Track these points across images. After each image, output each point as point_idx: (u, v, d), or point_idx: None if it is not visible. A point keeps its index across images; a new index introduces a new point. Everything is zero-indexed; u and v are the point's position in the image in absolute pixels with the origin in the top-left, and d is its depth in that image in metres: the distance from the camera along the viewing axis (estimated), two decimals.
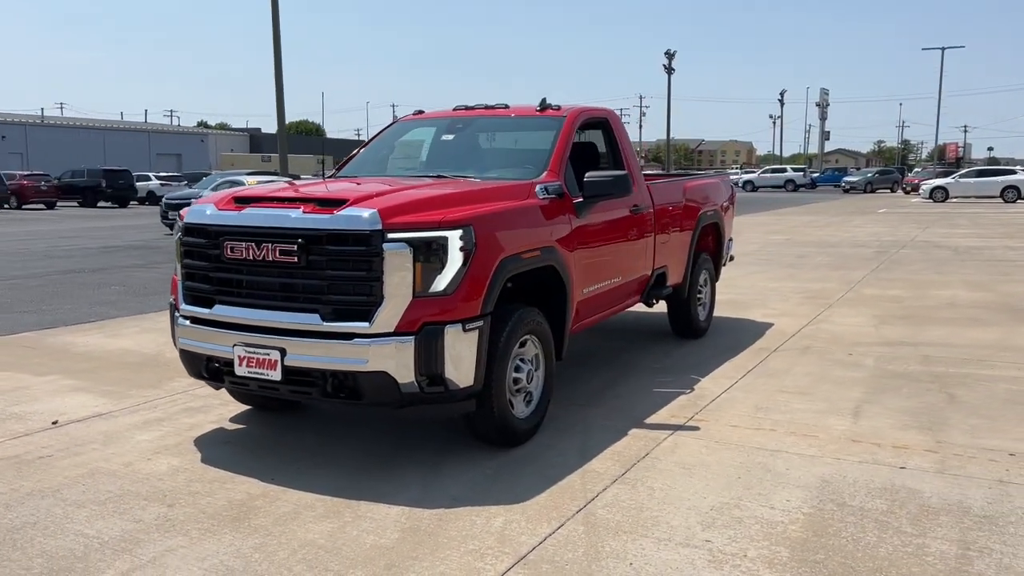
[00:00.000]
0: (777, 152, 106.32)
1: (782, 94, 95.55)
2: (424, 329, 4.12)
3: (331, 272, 4.18)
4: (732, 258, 8.95)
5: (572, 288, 5.20)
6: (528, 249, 4.67)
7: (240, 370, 4.41)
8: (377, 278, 4.10)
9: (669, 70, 67.57)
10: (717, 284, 8.40)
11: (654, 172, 10.37)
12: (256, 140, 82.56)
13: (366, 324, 4.12)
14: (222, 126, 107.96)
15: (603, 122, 6.26)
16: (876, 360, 6.88)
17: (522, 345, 4.80)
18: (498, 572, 3.32)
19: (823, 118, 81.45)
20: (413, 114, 6.51)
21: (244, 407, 5.57)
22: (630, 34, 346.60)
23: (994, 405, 5.56)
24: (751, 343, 7.56)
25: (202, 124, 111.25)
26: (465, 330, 4.19)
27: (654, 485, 4.20)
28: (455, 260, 4.18)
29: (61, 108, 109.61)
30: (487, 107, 6.21)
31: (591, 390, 6.01)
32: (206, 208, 4.60)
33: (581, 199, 5.31)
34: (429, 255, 4.14)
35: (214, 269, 4.52)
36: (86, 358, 7.16)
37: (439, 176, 5.43)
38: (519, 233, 4.62)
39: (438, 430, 5.07)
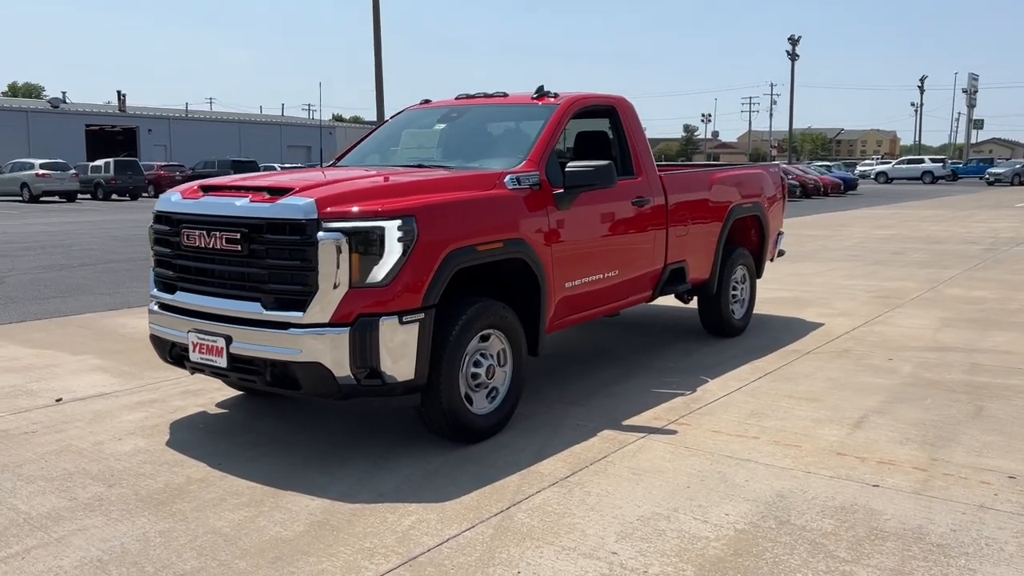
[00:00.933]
0: (918, 142, 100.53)
1: (922, 80, 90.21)
2: (359, 321, 4.06)
3: (271, 261, 4.18)
4: (782, 253, 8.46)
5: (549, 282, 5.02)
6: (486, 241, 4.53)
7: (194, 356, 4.49)
8: (313, 268, 4.06)
9: (793, 56, 64.93)
10: (776, 281, 7.95)
11: (681, 164, 9.95)
12: None
13: (300, 314, 4.10)
14: (356, 119, 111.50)
15: (610, 110, 6.01)
16: (915, 367, 6.34)
17: (484, 339, 4.68)
18: (379, 571, 3.22)
19: (971, 105, 76.62)
20: (420, 103, 6.45)
21: (236, 392, 5.68)
22: (763, 19, 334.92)
23: (1022, 421, 5.01)
24: (786, 344, 7.12)
25: (337, 118, 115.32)
26: (402, 323, 4.11)
27: (593, 491, 4.00)
28: (393, 251, 4.10)
29: (210, 103, 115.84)
30: (486, 95, 6.08)
31: (587, 388, 5.80)
32: (172, 196, 4.70)
33: (562, 190, 5.11)
34: (366, 245, 4.07)
35: (175, 256, 4.61)
36: (123, 340, 7.50)
37: (420, 165, 5.36)
38: (474, 224, 4.48)
39: (410, 422, 5.00)
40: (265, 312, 4.20)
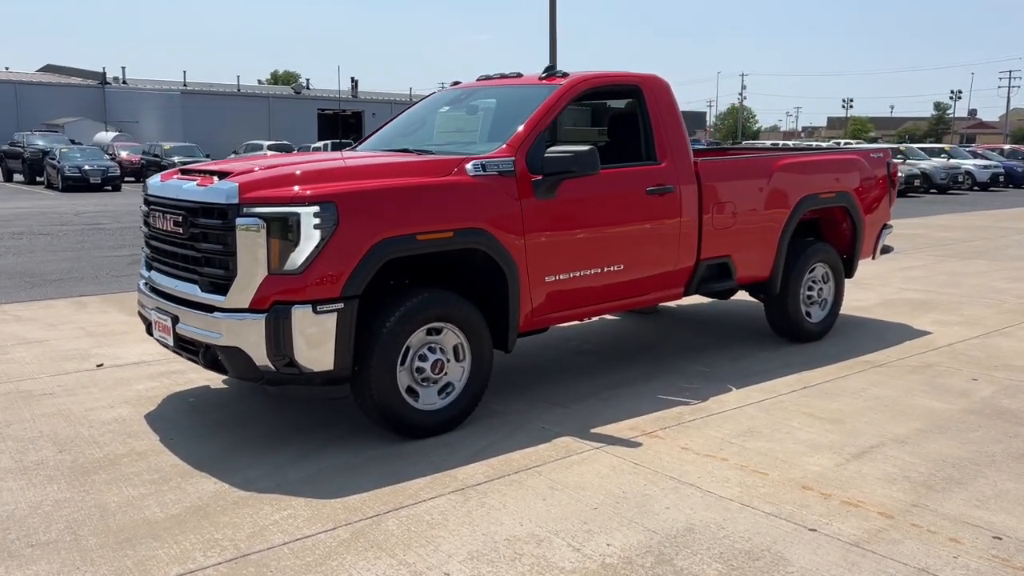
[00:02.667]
0: None
1: None
2: (273, 308, 4.02)
3: (204, 244, 4.24)
4: (887, 249, 7.46)
5: (523, 275, 4.73)
6: (429, 230, 4.32)
7: (155, 333, 4.67)
8: (233, 252, 4.07)
9: None
10: (919, 280, 7.06)
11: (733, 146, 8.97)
12: None
13: (223, 298, 4.12)
14: None
15: (634, 90, 5.53)
16: (996, 391, 5.37)
17: (435, 332, 4.49)
18: (203, 564, 3.18)
19: None
20: (451, 84, 6.28)
21: None
22: None
23: None
24: (863, 353, 6.29)
25: None
26: (317, 312, 4.01)
27: (490, 502, 3.72)
28: (310, 238, 4.01)
29: (441, 87, 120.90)
30: (502, 76, 5.80)
31: (587, 388, 5.43)
32: (155, 178, 4.89)
33: (541, 177, 4.77)
34: (284, 232, 4.01)
35: (149, 237, 4.81)
36: None
37: (405, 150, 5.21)
38: (414, 212, 4.28)
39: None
40: (200, 294, 4.27)
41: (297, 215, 4.00)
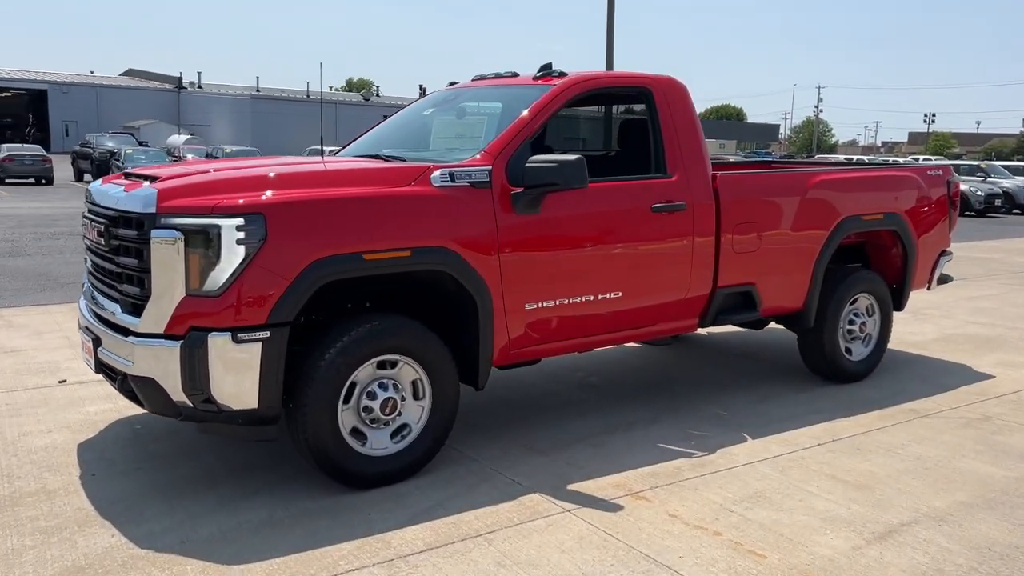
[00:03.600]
0: None
1: None
2: (190, 335, 3.48)
3: (123, 258, 3.73)
4: (946, 279, 6.59)
5: (497, 302, 4.10)
6: (380, 249, 3.73)
7: (82, 353, 4.19)
8: (147, 268, 3.55)
9: None
10: (988, 313, 6.23)
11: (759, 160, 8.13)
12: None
13: (137, 321, 3.60)
14: None
15: (643, 94, 4.85)
16: None
17: (390, 366, 3.90)
18: None
19: None
20: (447, 85, 5.69)
21: None
22: None
23: None
24: (908, 400, 5.46)
25: None
26: (237, 341, 3.45)
27: None
28: (233, 254, 3.45)
29: None
30: (497, 76, 5.17)
31: (578, 430, 4.76)
32: (97, 183, 4.41)
33: (521, 190, 4.14)
34: (205, 246, 3.47)
35: (86, 247, 4.33)
36: None
37: (376, 156, 4.64)
38: (361, 227, 3.69)
39: None
40: (119, 315, 3.76)
41: (218, 227, 3.44)
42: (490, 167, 4.11)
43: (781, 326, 5.82)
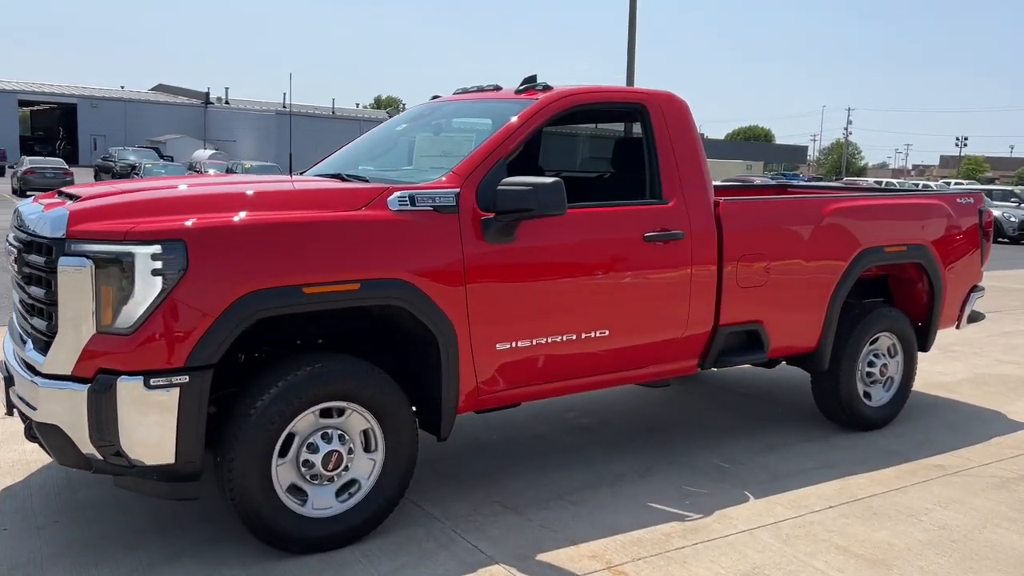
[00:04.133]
0: None
1: None
2: (97, 378, 3.04)
3: (33, 288, 3.30)
4: (978, 317, 6.01)
5: (462, 340, 3.63)
6: (324, 281, 3.27)
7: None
8: (55, 300, 3.11)
9: None
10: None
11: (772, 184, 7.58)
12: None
13: (42, 360, 3.16)
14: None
15: (637, 111, 4.37)
16: None
17: (336, 414, 3.44)
18: None
19: None
20: (430, 99, 5.24)
21: None
22: None
23: None
24: (935, 452, 4.91)
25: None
26: (150, 386, 3.00)
27: None
28: (148, 286, 3.01)
29: None
30: (479, 89, 4.72)
31: (560, 484, 4.26)
32: (26, 201, 4.00)
33: (492, 216, 3.67)
34: (118, 277, 3.03)
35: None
36: None
37: (336, 175, 4.20)
38: (304, 256, 3.24)
39: None
40: (30, 351, 3.32)
41: (131, 255, 3.01)
42: (457, 190, 3.65)
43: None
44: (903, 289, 5.59)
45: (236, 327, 3.11)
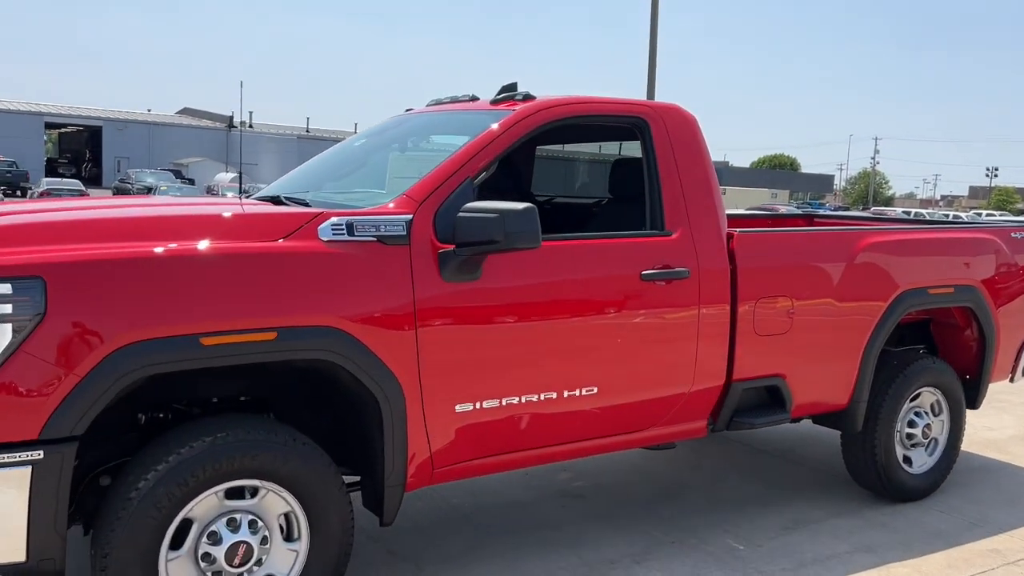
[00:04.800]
0: None
1: None
2: None
3: None
4: None
5: (411, 401, 2.96)
6: (229, 329, 2.61)
7: None
8: None
9: None
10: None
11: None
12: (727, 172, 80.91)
13: None
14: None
15: (636, 126, 3.69)
16: None
17: (248, 494, 2.76)
18: None
19: None
20: (404, 112, 4.60)
21: None
22: None
23: None
24: (989, 532, 4.15)
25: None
26: None
27: None
28: None
29: None
30: (454, 100, 4.07)
31: (532, 573, 3.54)
32: None
33: (452, 248, 3.00)
34: None
35: None
36: None
37: (275, 198, 3.56)
38: (202, 298, 2.58)
39: None
40: None
41: None
42: (409, 217, 2.99)
43: None
44: (948, 336, 4.85)
45: (110, 388, 2.45)
